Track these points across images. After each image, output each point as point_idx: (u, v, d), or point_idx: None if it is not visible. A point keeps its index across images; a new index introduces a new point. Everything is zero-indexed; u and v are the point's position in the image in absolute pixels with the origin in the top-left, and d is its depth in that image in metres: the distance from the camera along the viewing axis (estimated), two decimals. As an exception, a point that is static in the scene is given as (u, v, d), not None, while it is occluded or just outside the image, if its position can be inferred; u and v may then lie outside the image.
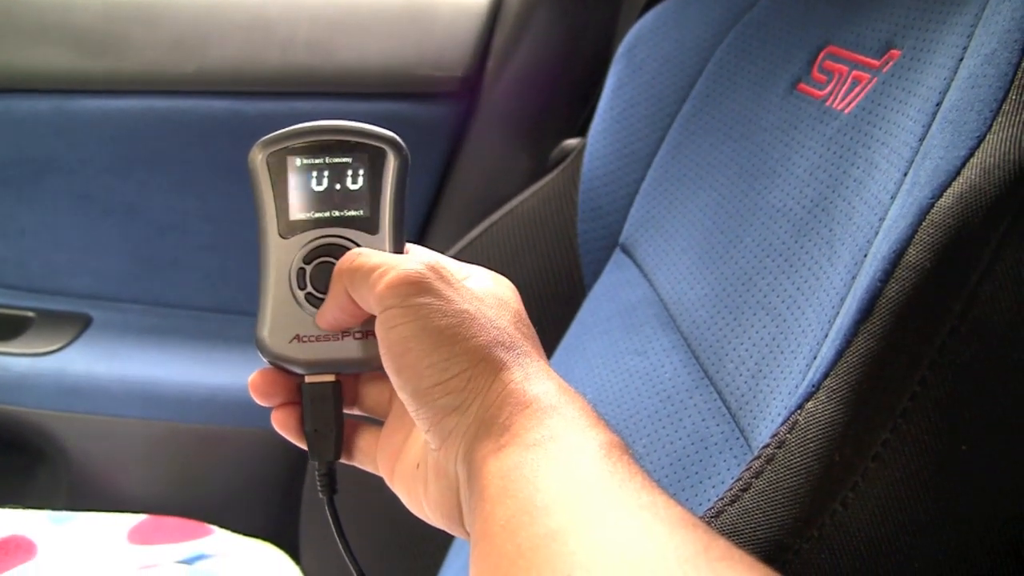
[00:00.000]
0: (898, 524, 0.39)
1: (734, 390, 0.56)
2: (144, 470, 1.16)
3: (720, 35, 0.80)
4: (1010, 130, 0.40)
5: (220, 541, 0.89)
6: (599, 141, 0.88)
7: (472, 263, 0.49)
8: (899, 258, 0.40)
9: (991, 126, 0.41)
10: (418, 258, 0.44)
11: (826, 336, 0.48)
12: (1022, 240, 0.38)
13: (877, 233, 0.48)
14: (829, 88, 0.62)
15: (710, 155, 0.73)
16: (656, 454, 0.58)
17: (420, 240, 1.14)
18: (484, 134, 1.13)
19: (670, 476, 0.55)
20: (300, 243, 0.48)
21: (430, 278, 0.43)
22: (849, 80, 0.60)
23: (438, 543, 0.88)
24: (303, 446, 0.50)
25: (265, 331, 0.48)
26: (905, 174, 0.48)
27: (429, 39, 1.10)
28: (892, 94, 0.55)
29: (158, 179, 1.14)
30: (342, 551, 0.50)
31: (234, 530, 0.92)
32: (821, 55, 0.65)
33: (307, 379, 0.49)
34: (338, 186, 0.48)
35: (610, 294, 0.78)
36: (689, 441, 0.57)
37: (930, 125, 0.48)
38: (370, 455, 0.50)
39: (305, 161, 0.48)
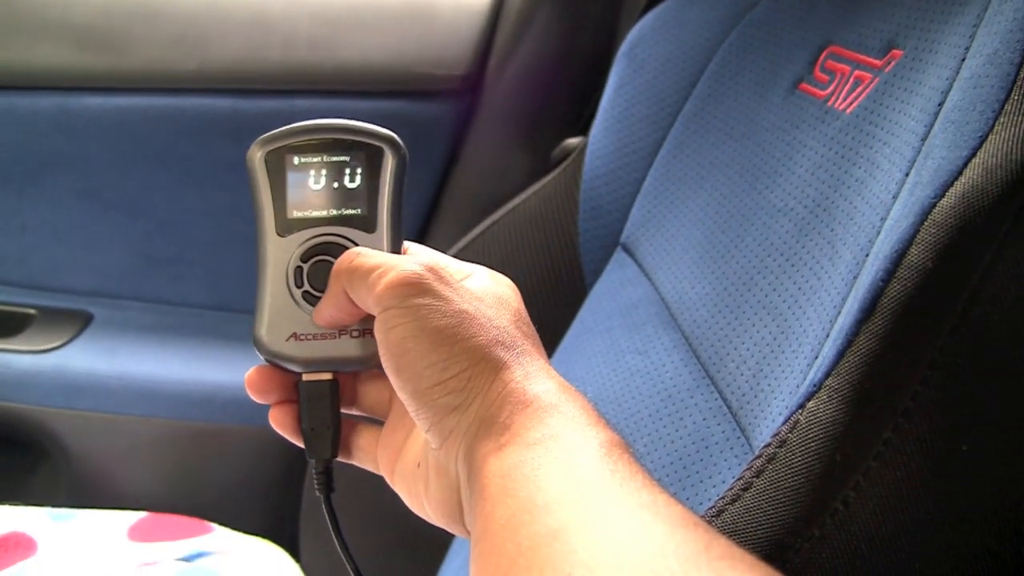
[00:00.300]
0: (899, 523, 0.39)
1: (735, 389, 0.56)
2: (144, 467, 1.16)
3: (722, 34, 0.80)
4: (1012, 130, 0.40)
5: (220, 539, 0.89)
6: (600, 140, 0.88)
7: (473, 262, 0.49)
8: (901, 258, 0.40)
9: (993, 126, 0.41)
10: (416, 259, 0.44)
11: (827, 336, 0.48)
12: (1024, 240, 0.38)
13: (879, 233, 0.48)
14: (831, 88, 0.62)
15: (711, 154, 0.73)
16: (657, 453, 0.58)
17: (421, 239, 1.15)
18: (485, 133, 1.13)
19: (671, 475, 0.55)
20: (298, 241, 0.48)
21: (428, 279, 0.43)
22: (851, 80, 0.60)
23: (438, 542, 0.88)
24: (301, 444, 0.50)
25: (262, 329, 0.48)
26: (907, 174, 0.48)
27: (430, 37, 1.10)
28: (894, 94, 0.55)
29: (159, 176, 1.14)
30: (339, 550, 0.50)
31: (234, 528, 0.92)
32: (823, 55, 0.65)
33: (304, 377, 0.49)
34: (336, 184, 0.48)
35: (611, 293, 0.78)
36: (690, 440, 0.57)
37: (932, 125, 0.48)
38: (370, 454, 0.50)
39: (303, 159, 0.48)
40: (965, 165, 0.40)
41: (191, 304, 1.20)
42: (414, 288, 0.42)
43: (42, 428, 1.13)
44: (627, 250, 0.81)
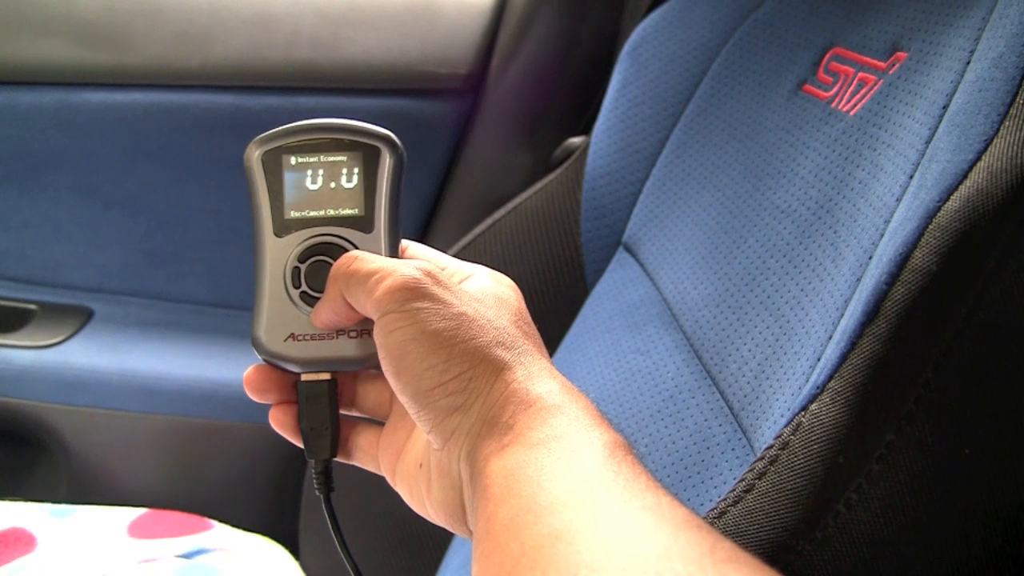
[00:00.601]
0: (901, 525, 0.39)
1: (736, 390, 0.56)
2: (145, 464, 1.16)
3: (725, 35, 0.80)
4: (1017, 134, 0.40)
5: (220, 536, 0.89)
6: (603, 140, 0.88)
7: (475, 261, 0.49)
8: (905, 261, 0.40)
9: (998, 130, 0.41)
10: (414, 263, 0.44)
11: (830, 338, 0.48)
12: (1028, 244, 0.38)
13: (882, 235, 0.48)
14: (835, 89, 0.62)
15: (714, 155, 0.73)
16: (658, 453, 0.58)
17: (423, 237, 1.15)
18: (488, 131, 1.13)
19: (672, 476, 0.55)
20: (295, 242, 0.48)
21: (426, 282, 0.43)
22: (855, 82, 0.60)
23: (438, 540, 0.88)
24: (300, 445, 0.50)
25: (260, 330, 0.48)
26: (911, 177, 0.48)
27: (433, 36, 1.10)
28: (898, 96, 0.55)
29: (161, 173, 1.14)
30: (339, 548, 0.50)
31: (234, 525, 0.92)
32: (827, 56, 0.65)
33: (303, 377, 0.49)
34: (333, 184, 0.48)
35: (613, 293, 0.78)
36: (691, 441, 0.57)
37: (936, 128, 0.48)
38: (371, 454, 0.50)
39: (300, 159, 0.48)
40: (970, 169, 0.40)
41: (192, 300, 1.20)
42: (412, 292, 0.42)
43: (42, 424, 1.13)
44: (629, 250, 0.81)
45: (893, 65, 0.57)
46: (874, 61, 0.59)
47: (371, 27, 1.10)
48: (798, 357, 0.51)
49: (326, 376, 0.49)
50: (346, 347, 0.48)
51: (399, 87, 1.11)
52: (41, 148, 1.13)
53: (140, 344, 1.16)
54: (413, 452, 0.47)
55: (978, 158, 0.41)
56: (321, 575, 0.98)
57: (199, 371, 1.14)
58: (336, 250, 0.47)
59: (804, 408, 0.41)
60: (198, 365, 1.14)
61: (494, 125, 1.13)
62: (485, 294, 0.45)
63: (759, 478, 0.41)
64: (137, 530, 0.87)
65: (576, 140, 1.07)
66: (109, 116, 1.11)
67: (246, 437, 1.12)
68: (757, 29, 0.76)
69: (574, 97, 1.15)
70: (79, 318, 1.18)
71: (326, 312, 0.47)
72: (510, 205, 0.93)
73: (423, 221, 1.16)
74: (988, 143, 0.41)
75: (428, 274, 0.43)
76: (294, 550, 0.93)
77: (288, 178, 0.48)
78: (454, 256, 0.50)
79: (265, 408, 0.50)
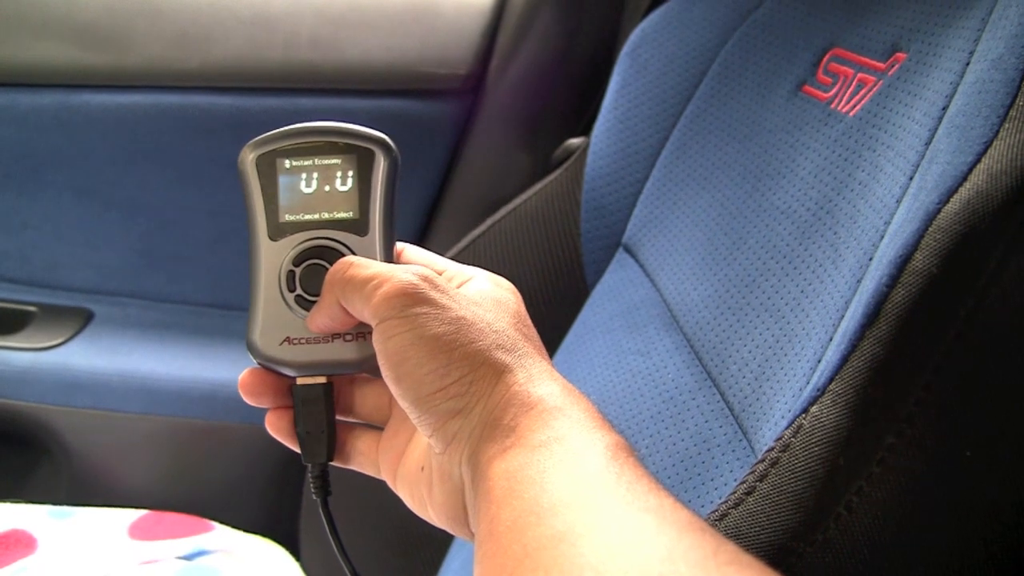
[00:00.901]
0: (902, 528, 0.39)
1: (737, 392, 0.56)
2: (145, 465, 1.16)
3: (725, 36, 0.80)
4: (1017, 136, 0.40)
5: (221, 537, 0.89)
6: (603, 140, 0.88)
7: (474, 262, 0.49)
8: (905, 263, 0.40)
9: (998, 132, 0.41)
10: (410, 268, 0.44)
11: (830, 339, 0.48)
12: (1029, 246, 0.38)
13: (882, 237, 0.48)
14: (834, 90, 0.62)
15: (714, 156, 0.73)
16: (659, 455, 0.58)
17: (423, 239, 1.15)
18: (487, 132, 1.13)
19: (672, 477, 0.56)
20: (289, 245, 0.48)
21: (424, 288, 0.43)
22: (854, 83, 0.60)
23: (439, 542, 0.88)
24: (296, 449, 0.50)
25: (256, 334, 0.48)
26: (911, 178, 0.48)
27: (433, 37, 1.10)
28: (898, 97, 0.55)
29: (160, 174, 1.14)
30: (336, 551, 0.50)
31: (235, 526, 0.92)
32: (826, 57, 0.65)
33: (298, 381, 0.49)
34: (327, 188, 0.48)
35: (613, 294, 0.78)
36: (692, 443, 0.57)
37: (936, 129, 0.48)
38: (371, 458, 0.50)
39: (294, 163, 0.48)
40: (970, 170, 0.40)
41: (192, 302, 1.20)
42: (410, 298, 0.42)
43: (42, 425, 1.13)
44: (629, 251, 0.81)
45: (892, 66, 0.57)
46: (873, 62, 0.59)
47: (370, 28, 1.10)
48: (798, 359, 0.51)
49: (322, 380, 0.49)
50: (342, 351, 0.48)
51: (398, 88, 1.11)
52: (40, 149, 1.13)
53: (140, 345, 1.16)
54: (414, 456, 0.47)
55: (978, 160, 0.41)
56: (321, 575, 0.98)
57: (199, 372, 1.14)
58: (331, 254, 0.47)
59: (805, 410, 0.41)
60: (198, 366, 1.14)
61: (494, 126, 1.13)
62: (484, 297, 0.45)
63: (760, 480, 0.41)
64: (138, 531, 0.87)
65: (576, 141, 1.07)
66: (108, 117, 1.11)
67: (246, 438, 1.12)
68: (756, 30, 0.77)
69: (573, 98, 1.15)
70: (79, 319, 1.18)
71: (322, 317, 0.46)
72: (510, 206, 0.93)
73: (423, 222, 1.16)
74: (988, 145, 0.41)
75: (425, 279, 0.43)
76: (294, 551, 0.93)
77: (282, 181, 0.48)
78: (454, 257, 0.50)
79: (265, 409, 0.50)
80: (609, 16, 1.12)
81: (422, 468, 0.46)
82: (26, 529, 0.84)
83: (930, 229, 0.40)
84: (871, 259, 0.48)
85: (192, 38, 1.10)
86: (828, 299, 0.51)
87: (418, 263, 0.49)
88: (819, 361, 0.48)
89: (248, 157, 0.48)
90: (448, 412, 0.42)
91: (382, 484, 0.50)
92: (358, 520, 0.93)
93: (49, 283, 1.20)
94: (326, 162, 0.48)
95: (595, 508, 0.34)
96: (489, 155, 1.14)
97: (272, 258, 0.48)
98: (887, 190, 0.50)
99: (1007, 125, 0.41)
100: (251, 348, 0.48)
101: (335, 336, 0.48)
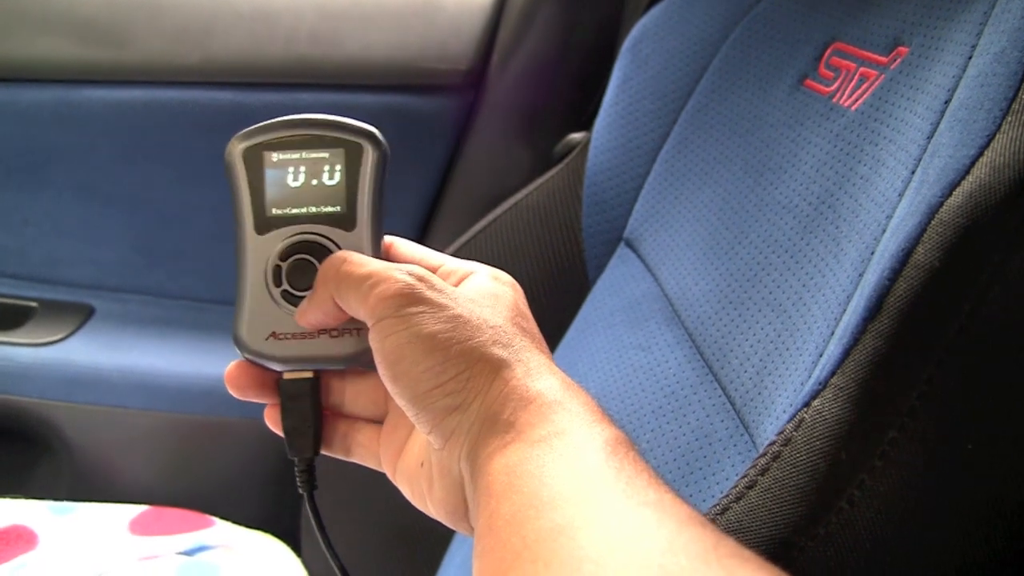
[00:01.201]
0: (904, 522, 0.39)
1: (739, 386, 0.56)
2: (146, 461, 1.16)
3: (726, 30, 0.79)
4: (1020, 129, 0.40)
5: (221, 532, 0.89)
6: (604, 135, 0.87)
7: (476, 257, 0.49)
8: (908, 256, 0.40)
9: (1000, 125, 0.41)
10: (404, 267, 0.44)
11: (832, 333, 0.48)
12: (1033, 239, 0.38)
13: (884, 231, 0.48)
14: (836, 84, 0.62)
15: (716, 150, 0.73)
16: (660, 450, 0.58)
17: (424, 234, 1.15)
18: (488, 128, 1.13)
19: (674, 472, 0.55)
20: (276, 240, 0.48)
21: (420, 287, 0.43)
22: (856, 77, 0.60)
23: (440, 536, 0.88)
24: None
25: (242, 328, 0.48)
26: (913, 172, 0.48)
27: (434, 32, 1.10)
28: (900, 91, 0.54)
29: (161, 170, 1.14)
30: (322, 545, 0.50)
31: (235, 521, 0.92)
32: (828, 51, 0.65)
33: (285, 376, 0.49)
34: (315, 182, 0.48)
35: (614, 289, 0.78)
36: (693, 437, 0.57)
37: (938, 123, 0.48)
38: (372, 451, 0.50)
39: (281, 156, 0.48)
40: (972, 164, 0.40)
41: (192, 297, 1.20)
42: (407, 298, 0.42)
43: (43, 421, 1.13)
44: (630, 245, 0.81)
45: (894, 60, 0.57)
46: (875, 56, 0.59)
47: (371, 23, 1.10)
48: (800, 353, 0.51)
49: (308, 374, 0.48)
50: (328, 346, 0.47)
51: (399, 83, 1.11)
52: (41, 145, 1.13)
53: (140, 341, 1.16)
54: (414, 450, 0.47)
55: (980, 153, 0.40)
56: (322, 571, 0.98)
57: (199, 367, 1.14)
58: (318, 248, 0.47)
59: (806, 404, 0.41)
60: (199, 361, 1.14)
61: (495, 121, 1.13)
62: (480, 294, 0.45)
63: (761, 474, 0.41)
64: (138, 527, 0.87)
65: (577, 136, 1.06)
66: (109, 113, 1.11)
67: (247, 433, 1.13)
68: (758, 24, 0.76)
69: (575, 93, 1.15)
70: (79, 315, 1.18)
71: (314, 312, 0.46)
72: (511, 201, 0.93)
73: (424, 217, 1.16)
74: (990, 138, 0.41)
75: (420, 278, 0.43)
76: (295, 546, 0.93)
77: (269, 175, 0.48)
78: (455, 252, 0.50)
79: (264, 404, 0.50)
80: (610, 11, 1.11)
81: (421, 464, 0.46)
82: (27, 525, 0.84)
83: (932, 223, 0.40)
84: (873, 253, 0.48)
85: (192, 33, 1.10)
86: (830, 293, 0.51)
87: (411, 259, 0.49)
88: (821, 355, 0.48)
89: (235, 150, 0.48)
90: (445, 409, 0.42)
91: (383, 478, 0.50)
92: (360, 514, 0.93)
93: (50, 279, 1.20)
94: (314, 156, 0.47)
95: (595, 502, 0.34)
96: (490, 150, 1.14)
97: (258, 252, 0.48)
98: (889, 184, 0.50)
99: (1010, 118, 0.41)
100: (237, 342, 0.48)
101: (321, 331, 0.47)
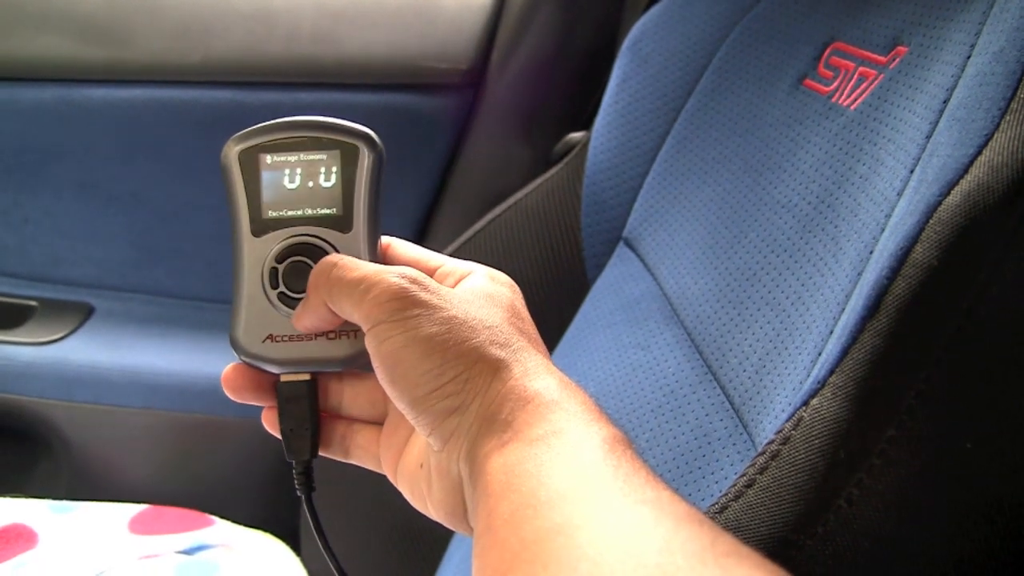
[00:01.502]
0: (902, 520, 0.39)
1: (737, 385, 0.56)
2: (145, 459, 1.16)
3: (726, 30, 0.79)
4: (1018, 128, 0.40)
5: (221, 531, 0.89)
6: (603, 135, 0.87)
7: (475, 257, 0.49)
8: (906, 255, 0.40)
9: (999, 124, 0.41)
10: (397, 269, 0.44)
11: (831, 332, 0.48)
12: (1031, 238, 0.38)
13: (883, 230, 0.48)
14: (835, 84, 0.62)
15: (715, 150, 0.73)
16: (659, 448, 0.58)
17: (423, 233, 1.15)
18: (488, 127, 1.13)
19: (672, 471, 0.55)
20: (272, 242, 0.47)
21: (414, 290, 0.42)
22: (855, 76, 0.60)
23: (439, 536, 0.88)
24: None
25: (239, 331, 0.48)
26: (912, 171, 0.48)
27: (434, 31, 1.10)
28: (899, 91, 0.55)
29: (161, 169, 1.14)
30: (321, 547, 0.50)
31: (235, 520, 0.92)
32: (827, 51, 0.65)
33: (282, 378, 0.48)
34: (311, 184, 0.47)
35: (613, 288, 0.78)
36: (692, 436, 0.57)
37: (937, 122, 0.48)
38: (371, 452, 0.50)
39: (277, 158, 0.47)
40: (971, 163, 0.40)
41: (192, 296, 1.20)
42: (401, 302, 0.42)
43: (43, 420, 1.13)
44: (630, 245, 0.81)
45: (893, 60, 0.57)
46: (874, 55, 0.59)
47: (371, 22, 1.10)
48: (799, 352, 0.51)
49: (305, 377, 0.48)
50: (325, 348, 0.47)
51: (399, 82, 1.11)
52: (41, 144, 1.13)
53: (140, 340, 1.16)
54: (413, 453, 0.47)
55: (979, 153, 0.40)
56: (322, 570, 0.98)
57: (199, 367, 1.14)
58: (314, 250, 0.47)
59: (805, 403, 0.41)
60: (198, 361, 1.14)
61: (494, 120, 1.13)
62: (476, 294, 0.45)
63: (760, 473, 0.41)
64: (138, 526, 0.87)
65: (576, 135, 1.06)
66: (109, 112, 1.11)
67: (246, 432, 1.13)
68: (757, 24, 0.76)
69: (574, 92, 1.15)
70: (79, 314, 1.18)
71: (309, 317, 0.46)
72: (510, 200, 0.93)
73: (423, 217, 1.16)
74: (989, 138, 0.41)
75: (414, 280, 0.43)
76: (295, 545, 0.93)
77: (265, 177, 0.47)
78: (454, 252, 0.50)
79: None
80: (610, 10, 1.11)
81: (421, 465, 0.46)
82: (27, 523, 0.84)
83: (931, 222, 0.40)
84: (872, 252, 0.48)
85: (193, 32, 1.10)
86: (828, 292, 0.51)
87: (409, 260, 0.49)
88: (819, 354, 0.48)
89: (231, 152, 0.48)
90: (444, 411, 0.42)
91: (382, 479, 0.50)
92: (359, 515, 0.93)
93: (50, 278, 1.20)
94: (310, 158, 0.47)
95: (592, 500, 0.34)
96: (490, 149, 1.14)
97: (255, 254, 0.48)
98: (888, 183, 0.50)
99: (1008, 118, 0.41)
100: (234, 345, 0.48)
101: (319, 333, 0.47)
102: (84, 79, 1.11)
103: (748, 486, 0.41)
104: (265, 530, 0.92)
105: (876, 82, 0.58)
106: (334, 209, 0.47)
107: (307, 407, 0.48)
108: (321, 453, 0.50)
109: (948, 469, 0.39)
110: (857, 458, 0.39)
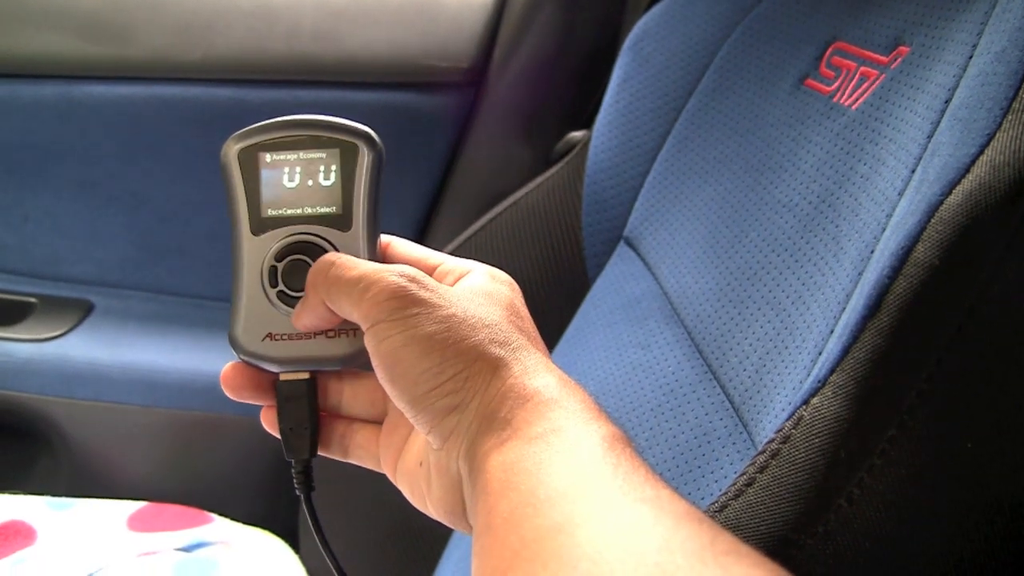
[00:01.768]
0: (903, 519, 0.39)
1: (738, 384, 0.56)
2: (145, 457, 1.16)
3: (727, 29, 0.79)
4: (1020, 128, 0.40)
5: (220, 529, 0.89)
6: (604, 134, 0.87)
7: (475, 255, 0.49)
8: (907, 255, 0.40)
9: (1000, 124, 0.41)
10: (396, 268, 0.44)
11: (831, 332, 0.48)
12: (1032, 238, 0.38)
13: (884, 229, 0.48)
14: (837, 84, 0.62)
15: (716, 149, 0.73)
16: (659, 447, 0.58)
17: (424, 232, 1.15)
18: (489, 126, 1.13)
19: (672, 470, 0.55)
20: (272, 240, 0.47)
21: (412, 288, 0.42)
22: (857, 76, 0.60)
23: (438, 534, 0.88)
24: None
25: (238, 329, 0.48)
26: (913, 171, 0.48)
27: (435, 30, 1.10)
28: (900, 91, 0.54)
29: (162, 166, 1.14)
30: (320, 546, 0.50)
31: (234, 518, 0.92)
32: (829, 51, 0.65)
33: (281, 377, 0.48)
34: (310, 182, 0.47)
35: (614, 287, 0.78)
36: (692, 435, 0.57)
37: (939, 122, 0.48)
38: (370, 452, 0.50)
39: (277, 157, 0.47)
40: (972, 163, 0.40)
41: (192, 294, 1.20)
42: (400, 301, 0.42)
43: (42, 417, 1.13)
44: (630, 244, 0.81)
45: (895, 59, 0.57)
46: (876, 55, 0.59)
47: (372, 20, 1.10)
48: (799, 351, 0.51)
49: (304, 375, 0.48)
50: (325, 347, 0.47)
51: (400, 81, 1.11)
52: (42, 141, 1.13)
53: (140, 337, 1.16)
54: (413, 450, 0.47)
55: (980, 152, 0.40)
56: (320, 568, 0.98)
57: (199, 364, 1.14)
58: (313, 249, 0.47)
59: (805, 402, 0.41)
60: (198, 358, 1.14)
61: (495, 119, 1.13)
62: (475, 292, 0.45)
63: (760, 472, 0.41)
64: (137, 523, 0.87)
65: (577, 134, 1.06)
66: (110, 109, 1.11)
67: (246, 430, 1.12)
68: (759, 23, 0.76)
69: (575, 91, 1.15)
70: (79, 311, 1.18)
71: (308, 317, 0.46)
72: (511, 199, 0.93)
73: (424, 215, 1.16)
74: (990, 137, 0.41)
75: (412, 279, 0.43)
76: (294, 543, 0.93)
77: (265, 176, 0.47)
78: (455, 251, 0.49)
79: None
80: (611, 10, 1.11)
81: (420, 463, 0.46)
82: (25, 520, 0.84)
83: (932, 221, 0.40)
84: (873, 252, 0.48)
85: (194, 30, 1.10)
86: (829, 292, 0.51)
87: (409, 258, 0.49)
88: (820, 353, 0.48)
89: (230, 151, 0.48)
90: (444, 409, 0.42)
91: (382, 478, 0.50)
92: (358, 513, 0.93)
93: (50, 274, 1.20)
94: (309, 156, 0.47)
95: (592, 499, 0.34)
96: (490, 148, 1.14)
97: (254, 253, 0.48)
98: (889, 183, 0.50)
99: (1010, 117, 0.41)
100: (233, 343, 0.48)
101: (318, 332, 0.47)
102: (85, 76, 1.10)
103: (748, 485, 0.41)
104: (264, 528, 0.92)
105: (878, 82, 0.57)
106: (333, 208, 0.47)
107: (306, 406, 0.48)
108: (320, 452, 0.50)
109: (948, 469, 0.39)
110: (858, 457, 0.39)
